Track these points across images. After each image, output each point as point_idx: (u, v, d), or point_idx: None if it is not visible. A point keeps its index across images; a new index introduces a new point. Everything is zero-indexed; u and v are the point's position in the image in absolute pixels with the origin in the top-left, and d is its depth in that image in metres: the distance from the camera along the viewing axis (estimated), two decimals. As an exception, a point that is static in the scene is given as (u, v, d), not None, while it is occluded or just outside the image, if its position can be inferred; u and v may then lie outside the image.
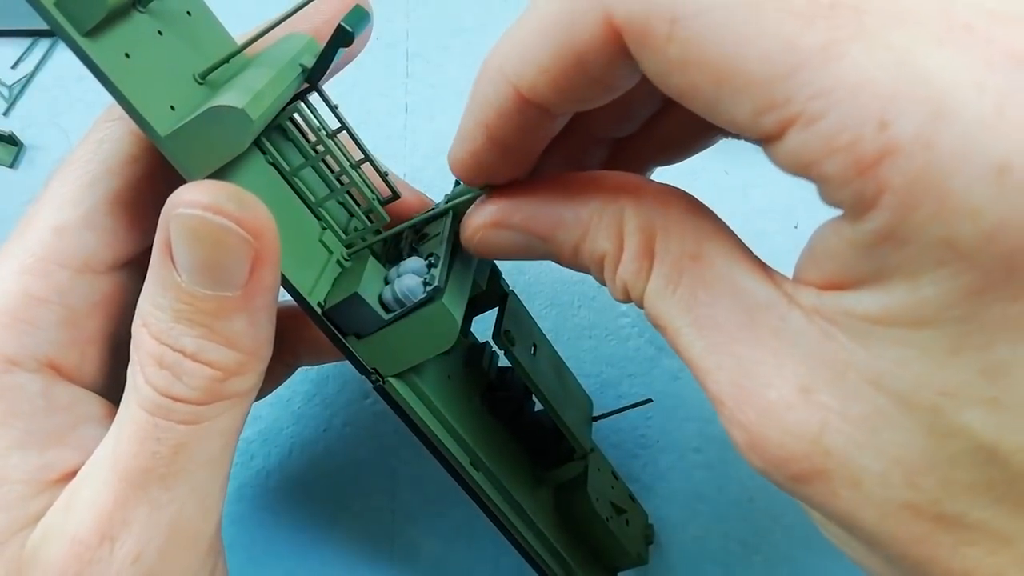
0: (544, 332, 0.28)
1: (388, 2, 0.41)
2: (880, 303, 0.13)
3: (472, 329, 0.29)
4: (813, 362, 0.14)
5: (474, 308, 0.27)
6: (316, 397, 0.34)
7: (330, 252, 0.22)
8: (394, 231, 0.23)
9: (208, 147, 0.18)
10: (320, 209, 0.22)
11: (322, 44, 0.20)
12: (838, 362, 0.14)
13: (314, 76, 0.20)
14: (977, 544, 0.13)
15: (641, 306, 0.17)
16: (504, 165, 0.19)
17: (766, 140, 0.14)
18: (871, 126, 0.12)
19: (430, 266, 0.21)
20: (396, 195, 0.24)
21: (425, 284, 0.21)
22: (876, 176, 0.12)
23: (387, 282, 0.22)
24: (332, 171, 0.23)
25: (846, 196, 0.13)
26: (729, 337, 0.16)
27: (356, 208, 0.23)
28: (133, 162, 0.21)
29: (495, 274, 0.26)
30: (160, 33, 0.19)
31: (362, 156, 0.23)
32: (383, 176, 0.23)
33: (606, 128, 0.23)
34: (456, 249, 0.22)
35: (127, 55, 0.18)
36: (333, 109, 0.21)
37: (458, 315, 0.21)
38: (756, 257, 0.16)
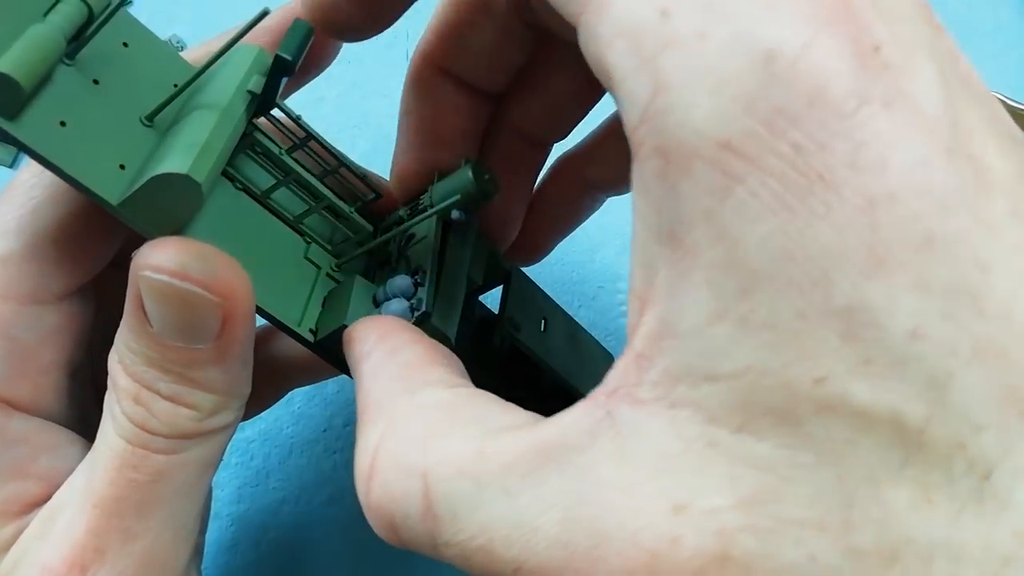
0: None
1: (388, 2, 0.41)
2: (695, 291, 0.11)
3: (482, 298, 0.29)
4: (673, 464, 0.11)
5: (475, 292, 0.26)
6: (316, 397, 0.34)
7: (318, 267, 0.22)
8: (380, 240, 0.23)
9: (162, 211, 0.17)
10: (302, 225, 0.22)
11: (273, 54, 0.19)
12: (696, 441, 0.11)
13: (262, 109, 0.20)
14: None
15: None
16: (359, 10, 0.19)
17: (576, 32, 0.13)
18: (654, 16, 0.11)
19: (416, 285, 0.21)
20: (378, 195, 0.23)
21: (412, 310, 0.20)
22: (657, 69, 0.11)
23: (376, 302, 0.21)
24: (307, 184, 0.22)
25: (629, 91, 0.11)
26: (565, 506, 0.12)
27: (335, 221, 0.23)
28: (73, 195, 0.19)
29: (493, 257, 0.25)
30: (96, 82, 0.18)
31: (336, 162, 0.22)
32: (361, 178, 0.23)
33: (536, 127, 0.23)
34: (445, 252, 0.22)
35: (62, 123, 0.17)
36: (296, 120, 0.21)
37: (450, 330, 0.21)
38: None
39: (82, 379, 0.22)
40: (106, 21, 0.17)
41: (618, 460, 0.12)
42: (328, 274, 0.22)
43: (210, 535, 0.31)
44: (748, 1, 0.11)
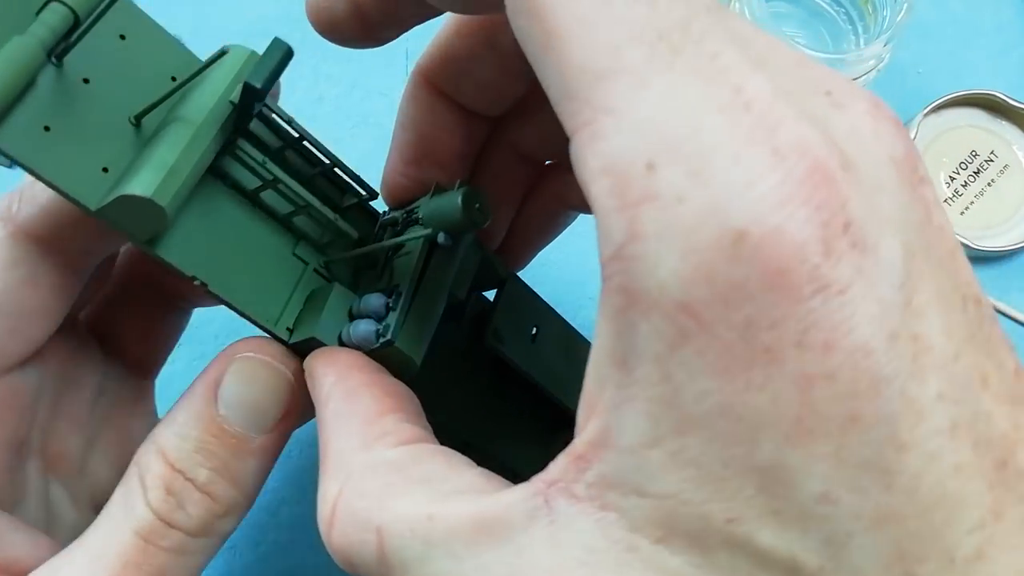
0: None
1: (388, 2, 0.41)
2: (636, 417, 0.12)
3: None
4: (596, 560, 0.13)
5: (469, 292, 0.26)
6: (316, 397, 0.34)
7: (305, 264, 0.22)
8: (367, 250, 0.23)
9: (135, 222, 0.17)
10: (292, 221, 0.22)
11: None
12: (619, 543, 0.13)
13: (238, 127, 0.19)
14: None
15: None
16: (359, 29, 0.20)
17: (570, 140, 0.13)
18: (640, 165, 0.12)
19: (388, 308, 0.21)
20: (372, 195, 0.23)
21: (378, 335, 0.20)
22: (634, 218, 0.12)
23: (351, 315, 0.21)
24: (298, 183, 0.22)
25: (607, 228, 0.12)
26: None
27: (326, 221, 0.23)
28: (18, 264, 0.20)
29: (489, 263, 0.25)
30: (86, 80, 0.18)
31: (330, 162, 0.22)
32: (355, 178, 0.23)
33: (531, 147, 0.24)
34: (427, 270, 0.22)
35: (46, 128, 0.16)
36: (288, 123, 0.21)
37: (416, 354, 0.21)
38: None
39: (26, 452, 0.22)
40: (92, 25, 0.17)
41: (550, 546, 0.13)
42: (315, 270, 0.22)
43: (210, 536, 0.31)
44: (729, 172, 0.11)
